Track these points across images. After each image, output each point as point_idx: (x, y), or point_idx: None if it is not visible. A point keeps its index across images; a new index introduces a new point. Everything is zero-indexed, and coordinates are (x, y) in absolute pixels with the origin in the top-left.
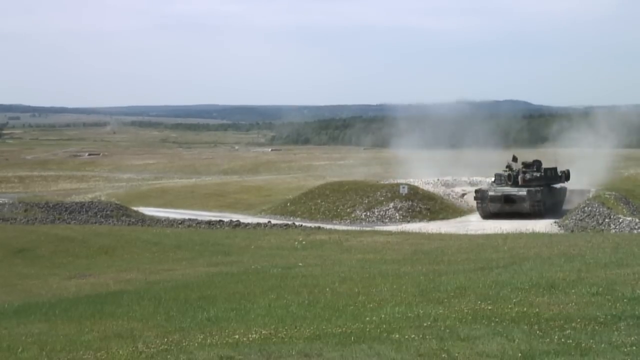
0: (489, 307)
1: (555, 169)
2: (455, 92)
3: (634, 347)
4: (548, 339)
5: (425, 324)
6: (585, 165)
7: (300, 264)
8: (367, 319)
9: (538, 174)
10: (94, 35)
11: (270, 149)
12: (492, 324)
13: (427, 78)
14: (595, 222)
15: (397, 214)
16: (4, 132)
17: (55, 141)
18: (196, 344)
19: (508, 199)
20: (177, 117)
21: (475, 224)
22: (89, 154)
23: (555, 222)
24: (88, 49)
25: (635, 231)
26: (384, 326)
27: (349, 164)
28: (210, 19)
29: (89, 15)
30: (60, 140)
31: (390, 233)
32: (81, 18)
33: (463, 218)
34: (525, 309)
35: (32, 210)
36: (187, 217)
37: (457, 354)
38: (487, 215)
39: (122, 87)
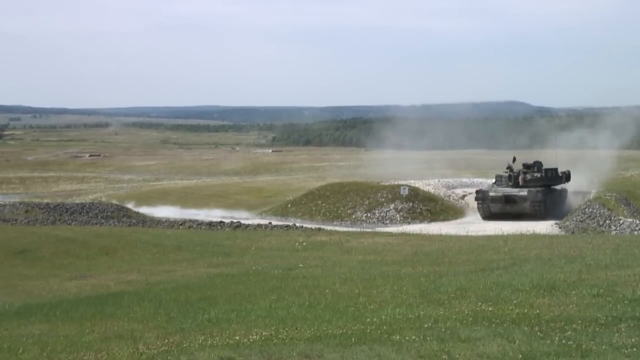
0: (490, 309)
1: (555, 169)
2: (456, 94)
3: (635, 349)
4: (549, 341)
5: (425, 325)
6: (586, 167)
7: (300, 265)
8: (368, 320)
9: (538, 175)
10: (94, 36)
11: (271, 150)
12: (493, 325)
13: (428, 79)
14: (595, 224)
15: (397, 215)
16: (5, 133)
17: (56, 142)
18: (197, 345)
19: (509, 199)
20: (178, 118)
21: (475, 226)
22: (90, 155)
23: (555, 224)
24: (88, 49)
25: (635, 232)
26: (385, 327)
27: (350, 165)
28: (210, 20)
29: (89, 16)
30: (61, 142)
31: (390, 234)
32: (81, 19)
33: (464, 219)
34: (525, 310)
35: (33, 211)
36: (187, 217)
37: (457, 356)
38: (488, 215)
39: (122, 88)
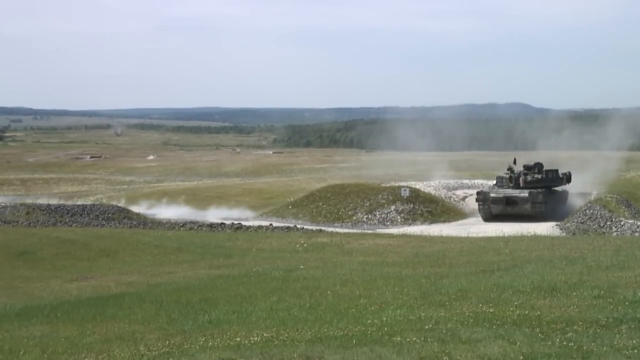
0: (491, 310)
1: (556, 171)
2: (457, 95)
3: (636, 350)
4: (550, 342)
5: (426, 327)
6: (587, 168)
7: (301, 267)
8: (369, 321)
9: (539, 176)
10: (96, 38)
11: (272, 152)
12: (494, 326)
13: (429, 81)
14: (596, 225)
15: (398, 217)
16: (6, 134)
17: (57, 144)
18: (198, 347)
19: (510, 200)
20: (179, 120)
21: (476, 227)
22: (91, 157)
23: (556, 225)
24: (89, 51)
25: (636, 234)
26: (386, 329)
27: (351, 167)
28: (210, 21)
29: (89, 18)
30: (62, 143)
31: (391, 236)
32: (82, 21)
33: (464, 221)
34: (526, 311)
35: (34, 213)
36: (188, 219)
37: (458, 357)
38: (489, 217)
39: (123, 89)
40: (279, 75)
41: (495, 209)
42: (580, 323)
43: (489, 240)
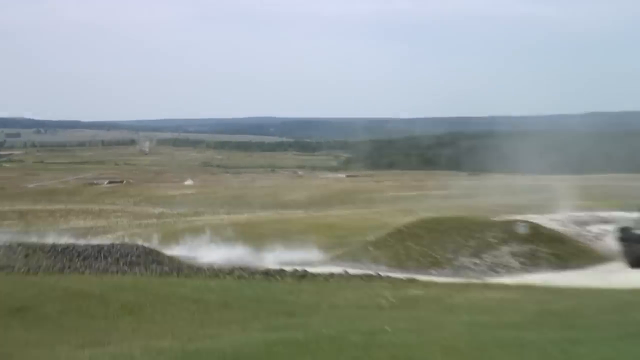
0: None
1: None
2: (583, 101)
3: None
4: None
5: None
6: None
7: (387, 329)
8: None
9: None
10: (116, 29)
11: (344, 175)
12: None
13: (548, 82)
14: None
15: (514, 261)
16: (1, 153)
17: (66, 165)
18: None
19: None
20: (223, 134)
21: (619, 275)
22: (109, 182)
23: None
24: (108, 46)
25: None
26: None
27: (449, 195)
28: (263, 7)
29: (108, 4)
30: (72, 164)
31: (506, 287)
32: (98, 7)
33: (602, 267)
34: None
35: (35, 256)
36: (236, 264)
37: None
38: (636, 261)
39: (152, 94)
40: (351, 76)
41: None
42: None
43: (637, 293)
